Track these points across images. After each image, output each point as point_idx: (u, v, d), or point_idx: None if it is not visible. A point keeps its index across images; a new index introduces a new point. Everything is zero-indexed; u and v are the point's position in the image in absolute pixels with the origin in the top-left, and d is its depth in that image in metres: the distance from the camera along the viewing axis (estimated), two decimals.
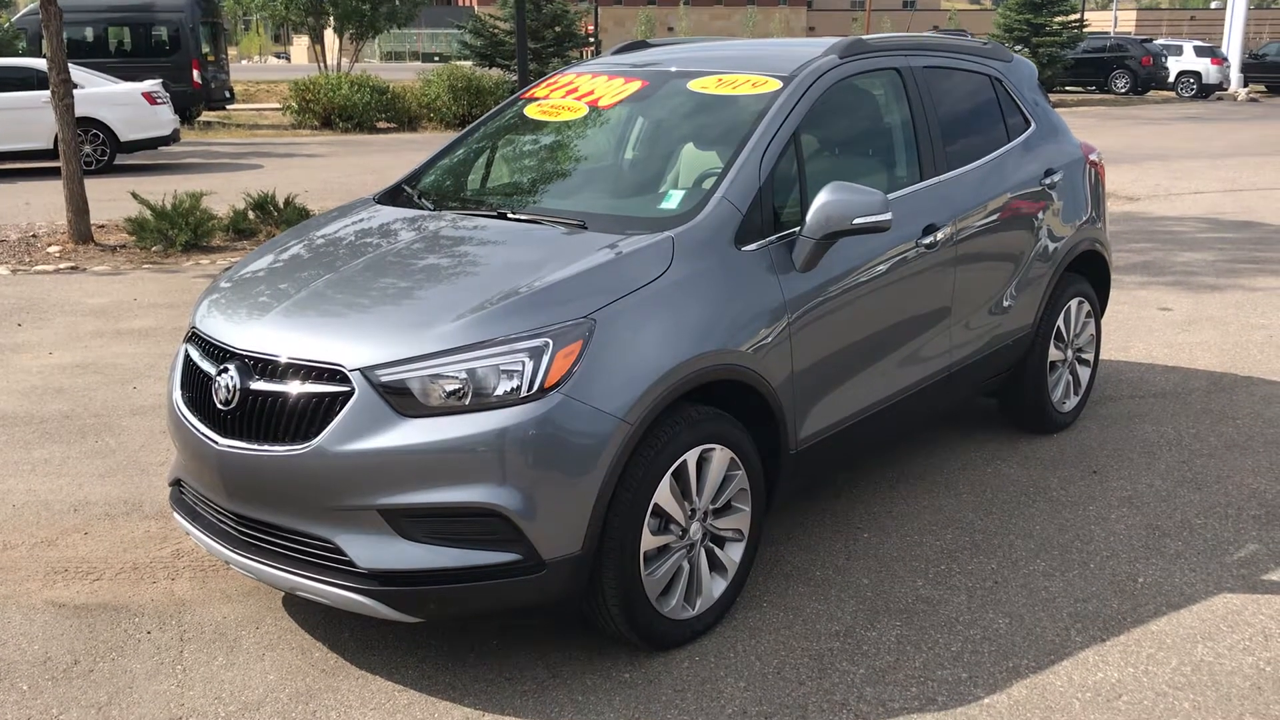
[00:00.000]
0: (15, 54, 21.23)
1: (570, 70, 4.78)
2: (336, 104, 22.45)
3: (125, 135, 15.95)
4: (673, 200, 3.77)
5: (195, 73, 22.88)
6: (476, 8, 41.87)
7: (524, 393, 3.06)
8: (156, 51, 23.20)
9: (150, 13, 23.68)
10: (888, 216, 3.69)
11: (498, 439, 3.02)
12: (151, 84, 16.54)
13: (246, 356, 3.29)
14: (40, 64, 15.97)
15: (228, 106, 25.99)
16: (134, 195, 10.28)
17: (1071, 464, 4.97)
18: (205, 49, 23.83)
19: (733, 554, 3.63)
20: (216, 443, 3.29)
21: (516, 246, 3.66)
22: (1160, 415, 5.59)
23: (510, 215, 3.89)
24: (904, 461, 4.98)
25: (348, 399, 3.09)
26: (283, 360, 3.21)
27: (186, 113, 22.61)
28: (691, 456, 3.38)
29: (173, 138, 16.72)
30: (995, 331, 4.77)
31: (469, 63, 27.05)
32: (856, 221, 3.65)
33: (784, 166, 3.85)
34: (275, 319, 3.38)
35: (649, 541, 3.30)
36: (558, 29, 26.44)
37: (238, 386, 3.25)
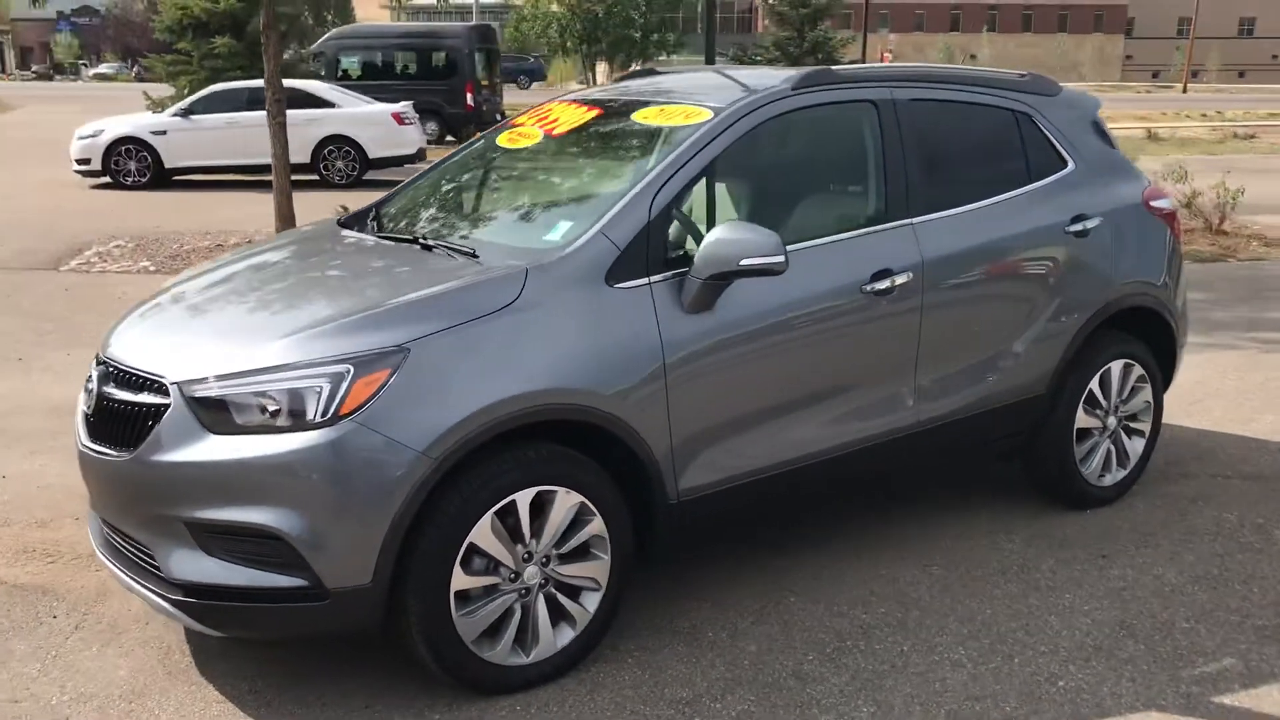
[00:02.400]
0: (314, 77, 23.07)
1: (563, 97, 4.74)
2: None
3: (374, 152, 17.08)
4: (557, 232, 3.65)
5: (469, 96, 24.34)
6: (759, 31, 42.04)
7: (317, 419, 3.06)
8: (436, 75, 24.83)
9: (433, 39, 25.49)
10: (780, 259, 3.44)
11: (282, 463, 3.04)
12: (402, 105, 17.67)
13: (108, 363, 3.48)
14: (305, 85, 17.48)
15: None
16: (342, 208, 11.01)
17: (1084, 545, 4.43)
18: (480, 74, 25.27)
19: (587, 603, 3.48)
20: (81, 443, 3.48)
21: (393, 273, 3.66)
22: (1232, 500, 4.88)
23: (421, 242, 3.89)
24: (895, 523, 4.59)
25: (166, 411, 3.19)
26: (125, 368, 3.37)
27: (459, 133, 24.08)
28: (523, 498, 3.27)
29: (418, 156, 17.74)
30: (989, 390, 4.31)
31: None
32: (744, 263, 3.43)
33: (688, 202, 3.66)
34: (142, 330, 3.57)
35: (464, 581, 3.22)
36: (819, 56, 26.19)
37: (95, 391, 3.43)
